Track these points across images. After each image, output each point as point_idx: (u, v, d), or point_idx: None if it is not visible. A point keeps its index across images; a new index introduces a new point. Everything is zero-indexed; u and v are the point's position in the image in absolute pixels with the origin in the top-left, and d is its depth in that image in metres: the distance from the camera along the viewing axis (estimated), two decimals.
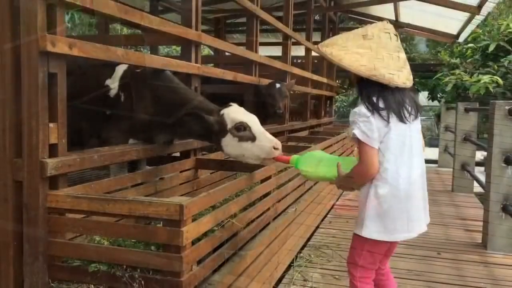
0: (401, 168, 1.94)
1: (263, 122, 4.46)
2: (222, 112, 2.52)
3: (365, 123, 1.89)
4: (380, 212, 1.95)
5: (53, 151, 1.98)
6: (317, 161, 2.24)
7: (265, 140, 2.45)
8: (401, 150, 1.94)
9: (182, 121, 2.53)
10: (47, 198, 1.94)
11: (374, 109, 1.89)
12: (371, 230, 1.97)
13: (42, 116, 1.91)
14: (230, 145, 2.49)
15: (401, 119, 1.92)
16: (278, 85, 4.56)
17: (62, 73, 2.02)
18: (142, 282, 1.80)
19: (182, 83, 2.82)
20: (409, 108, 1.95)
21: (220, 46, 3.73)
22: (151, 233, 1.85)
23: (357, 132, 1.89)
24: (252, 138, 2.45)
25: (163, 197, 2.66)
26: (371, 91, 1.92)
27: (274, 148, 2.42)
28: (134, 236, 1.90)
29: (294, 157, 2.39)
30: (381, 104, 1.90)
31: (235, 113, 2.50)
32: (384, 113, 1.89)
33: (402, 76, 1.92)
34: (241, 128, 2.45)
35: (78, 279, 1.92)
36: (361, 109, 1.91)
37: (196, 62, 3.14)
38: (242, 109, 2.58)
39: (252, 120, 2.50)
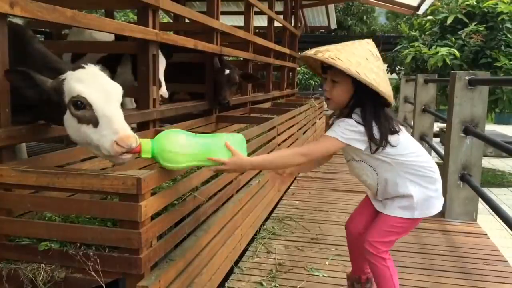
0: (426, 155, 2.07)
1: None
2: (64, 75, 1.76)
3: (354, 132, 1.90)
4: (429, 194, 2.02)
5: None
6: (182, 145, 1.78)
7: (107, 129, 1.67)
8: (415, 142, 2.06)
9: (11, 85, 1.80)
10: None
11: (385, 137, 1.90)
12: (422, 212, 2.02)
13: None
14: (71, 127, 1.76)
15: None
16: (227, 71, 4.22)
17: (3, 35, 1.82)
18: (98, 260, 1.69)
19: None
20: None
21: (179, 12, 3.54)
22: (106, 208, 1.73)
23: (332, 134, 1.91)
24: (94, 122, 1.69)
25: (121, 170, 2.52)
26: (376, 113, 1.91)
27: (117, 145, 1.65)
28: (88, 212, 1.77)
29: (145, 143, 1.74)
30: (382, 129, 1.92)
31: (78, 80, 1.73)
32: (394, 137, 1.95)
33: None
34: (79, 105, 1.70)
35: (27, 258, 1.79)
36: (350, 120, 1.90)
37: (154, 27, 2.96)
38: (98, 74, 1.79)
39: (99, 95, 1.72)
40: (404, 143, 1.98)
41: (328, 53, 1.84)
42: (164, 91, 3.25)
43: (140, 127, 3.01)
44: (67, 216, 1.90)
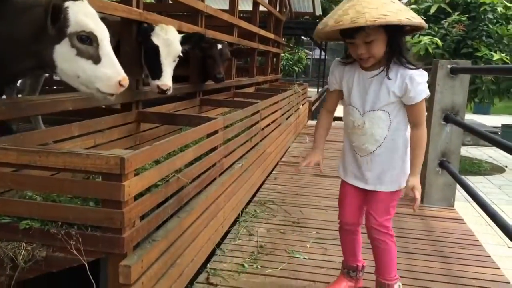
0: None
1: (197, 81, 4.25)
2: (66, 4, 1.77)
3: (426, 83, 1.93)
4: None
5: None
6: None
7: (111, 68, 1.84)
8: None
9: None
10: None
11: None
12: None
13: None
14: (64, 57, 1.80)
15: None
16: (219, 46, 4.18)
17: None
18: (80, 239, 1.69)
19: None
20: None
21: None
22: (89, 187, 1.72)
23: (427, 92, 1.94)
24: (96, 59, 1.82)
25: (104, 150, 2.50)
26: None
27: (120, 85, 1.87)
28: (70, 191, 1.76)
29: None
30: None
31: (86, 14, 1.81)
32: None
33: None
34: (86, 40, 1.80)
35: (8, 236, 1.76)
36: (421, 71, 1.91)
37: (138, 7, 2.91)
38: (94, 12, 1.86)
39: (105, 34, 1.85)
40: None
41: (366, 15, 1.70)
42: (164, 82, 2.97)
43: (123, 109, 2.97)
44: (49, 195, 1.88)
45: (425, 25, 1.85)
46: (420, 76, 1.91)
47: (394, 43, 1.88)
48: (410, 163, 2.04)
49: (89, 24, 1.81)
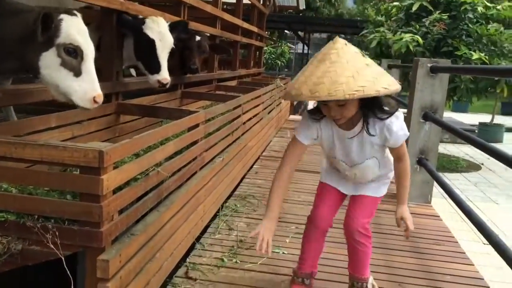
0: None
1: (178, 73, 4.21)
2: (61, 16, 1.88)
3: (403, 123, 1.96)
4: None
5: None
6: None
7: (89, 83, 1.93)
8: None
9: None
10: None
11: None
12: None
13: None
14: (49, 65, 1.88)
15: None
16: (198, 38, 4.17)
17: None
18: (57, 233, 1.66)
19: None
20: None
21: None
22: (66, 180, 1.69)
23: (406, 133, 1.96)
24: (77, 72, 1.91)
25: (81, 142, 2.46)
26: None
27: (94, 101, 1.96)
28: (46, 184, 1.73)
29: None
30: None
31: (78, 30, 1.90)
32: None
33: None
34: (72, 52, 1.89)
35: None
36: (395, 115, 1.92)
37: None
38: (86, 29, 1.96)
39: (91, 51, 1.96)
40: None
41: (343, 86, 1.65)
42: (164, 76, 2.95)
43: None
44: (25, 187, 1.84)
45: (400, 88, 1.79)
46: (396, 122, 1.92)
47: (369, 102, 1.86)
48: (397, 193, 2.12)
49: (79, 39, 1.90)
